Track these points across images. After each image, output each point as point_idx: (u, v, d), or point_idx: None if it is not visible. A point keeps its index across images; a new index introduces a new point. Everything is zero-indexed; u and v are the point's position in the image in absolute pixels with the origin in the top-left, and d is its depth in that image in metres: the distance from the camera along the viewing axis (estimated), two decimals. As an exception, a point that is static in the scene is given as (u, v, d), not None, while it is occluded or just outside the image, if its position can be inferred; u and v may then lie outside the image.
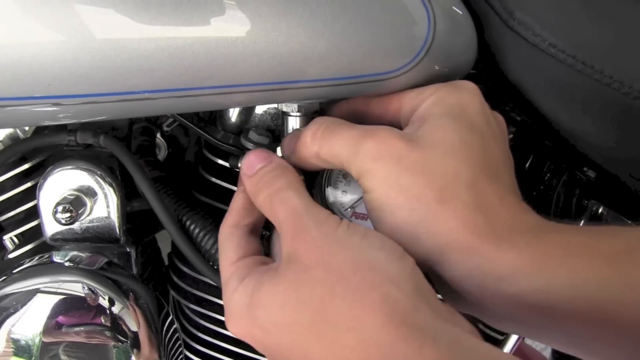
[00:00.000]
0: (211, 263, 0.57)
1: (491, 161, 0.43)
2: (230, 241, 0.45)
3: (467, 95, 0.45)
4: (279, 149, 0.51)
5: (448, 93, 0.45)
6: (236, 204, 0.47)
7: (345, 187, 0.50)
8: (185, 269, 0.65)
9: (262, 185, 0.43)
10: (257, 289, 0.39)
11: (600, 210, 0.67)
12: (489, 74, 0.56)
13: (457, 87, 0.46)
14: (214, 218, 0.59)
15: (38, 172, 0.59)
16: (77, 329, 0.52)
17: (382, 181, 0.41)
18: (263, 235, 0.63)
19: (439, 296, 0.40)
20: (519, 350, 0.69)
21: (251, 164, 0.46)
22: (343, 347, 0.35)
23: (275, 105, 0.59)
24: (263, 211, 0.44)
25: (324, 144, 0.44)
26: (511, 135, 0.73)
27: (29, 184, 0.59)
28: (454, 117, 0.43)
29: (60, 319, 0.52)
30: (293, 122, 0.51)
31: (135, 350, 0.53)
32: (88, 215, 0.56)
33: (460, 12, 0.51)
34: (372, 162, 0.41)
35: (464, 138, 0.42)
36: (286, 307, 0.37)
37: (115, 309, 0.53)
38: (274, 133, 0.61)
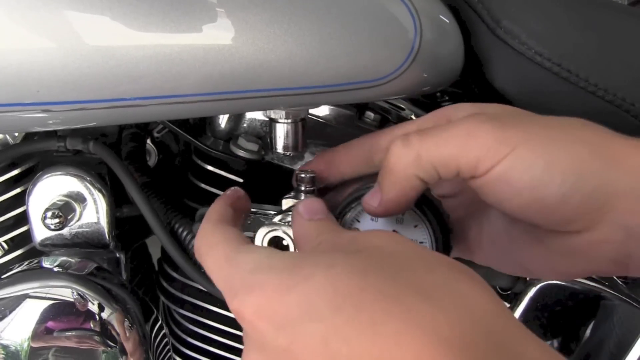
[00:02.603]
0: (202, 269, 0.57)
1: None
2: (223, 229, 0.38)
3: None
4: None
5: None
6: (216, 207, 0.42)
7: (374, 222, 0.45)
8: (174, 275, 0.65)
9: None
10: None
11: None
12: (475, 82, 0.57)
13: None
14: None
15: (27, 177, 0.59)
16: (66, 334, 0.52)
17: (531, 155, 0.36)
18: None
19: None
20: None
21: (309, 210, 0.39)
22: None
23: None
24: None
25: (426, 139, 0.38)
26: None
27: (18, 190, 0.59)
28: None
29: (50, 324, 0.52)
30: (281, 129, 0.52)
31: (123, 355, 0.53)
32: (77, 220, 0.56)
33: (447, 21, 0.51)
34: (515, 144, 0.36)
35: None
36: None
37: (104, 314, 0.53)
38: (263, 140, 0.61)
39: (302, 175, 0.45)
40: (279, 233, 0.43)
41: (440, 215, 0.42)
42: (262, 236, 0.44)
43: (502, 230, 0.44)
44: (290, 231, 0.42)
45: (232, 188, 0.45)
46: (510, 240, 0.43)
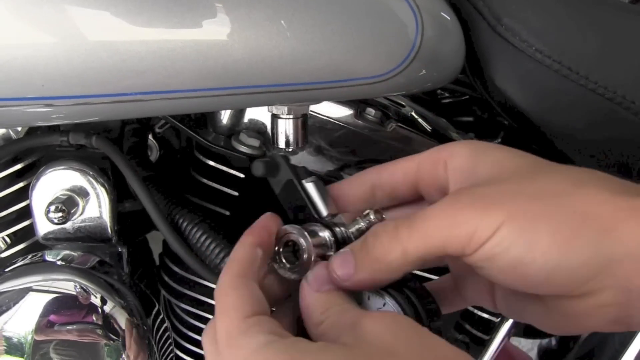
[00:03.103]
0: (205, 261, 0.58)
1: None
2: (237, 291, 0.37)
3: None
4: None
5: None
6: (240, 254, 0.40)
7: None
8: (176, 269, 0.66)
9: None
10: None
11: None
12: (477, 79, 0.57)
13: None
14: (206, 219, 0.59)
15: (30, 172, 0.60)
16: (68, 327, 0.52)
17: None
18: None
19: None
20: (504, 350, 0.70)
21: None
22: None
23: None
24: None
25: (413, 234, 0.36)
26: (499, 140, 0.74)
27: (21, 184, 0.60)
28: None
29: (52, 317, 0.52)
30: (283, 125, 0.52)
31: (126, 348, 0.54)
32: (80, 215, 0.57)
33: (449, 18, 0.52)
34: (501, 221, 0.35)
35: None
36: None
37: (107, 308, 0.54)
38: (264, 135, 0.62)
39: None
40: (294, 237, 0.41)
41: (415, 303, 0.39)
42: (279, 237, 0.42)
43: (500, 287, 0.43)
44: (305, 240, 0.40)
45: (264, 217, 0.43)
46: (511, 296, 0.43)
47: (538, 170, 0.38)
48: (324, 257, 0.40)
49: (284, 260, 0.42)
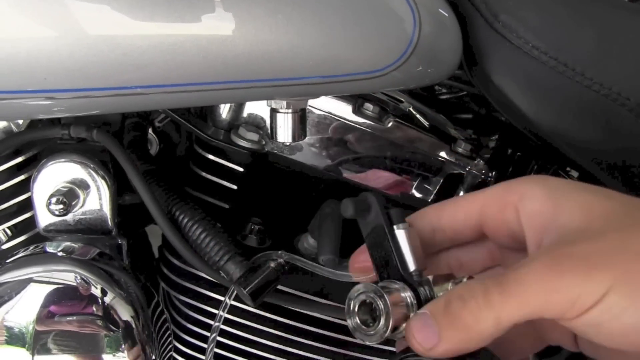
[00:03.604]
0: (202, 255, 0.58)
1: None
2: None
3: None
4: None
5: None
6: None
7: None
8: (175, 262, 0.66)
9: None
10: None
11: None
12: (474, 75, 0.58)
13: None
14: (204, 212, 0.60)
15: (31, 165, 0.60)
16: (69, 317, 0.53)
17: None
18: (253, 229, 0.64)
19: None
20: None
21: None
22: None
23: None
24: None
25: (506, 300, 0.33)
26: (496, 137, 0.75)
27: (22, 177, 0.60)
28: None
29: (53, 307, 0.53)
30: (281, 119, 0.53)
31: (126, 339, 0.54)
32: (81, 207, 0.57)
33: (446, 14, 0.52)
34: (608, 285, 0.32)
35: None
36: None
37: (107, 299, 0.54)
38: (263, 129, 0.62)
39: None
40: (369, 298, 0.37)
41: None
42: (354, 296, 0.38)
43: None
44: (383, 301, 0.36)
45: None
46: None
47: (635, 217, 0.35)
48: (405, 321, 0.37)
49: (358, 322, 0.38)
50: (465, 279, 0.39)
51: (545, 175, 0.42)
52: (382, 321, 0.36)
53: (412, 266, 0.38)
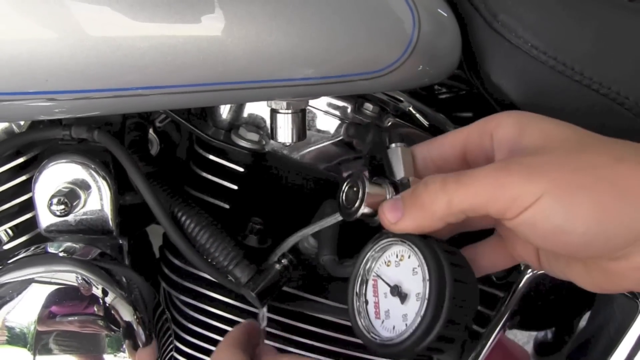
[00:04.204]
0: (204, 255, 0.58)
1: None
2: (229, 356, 0.50)
3: None
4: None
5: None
6: (238, 330, 0.53)
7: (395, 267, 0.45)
8: (176, 262, 0.66)
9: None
10: None
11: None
12: (473, 75, 0.58)
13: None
14: (206, 213, 0.60)
15: (32, 166, 0.60)
16: (70, 318, 0.53)
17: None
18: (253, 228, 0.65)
19: None
20: (500, 343, 0.71)
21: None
22: None
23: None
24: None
25: (459, 188, 0.40)
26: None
27: (23, 178, 0.60)
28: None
29: (54, 308, 0.53)
30: (282, 119, 0.53)
31: (127, 339, 0.55)
32: (82, 207, 0.57)
33: (445, 14, 0.52)
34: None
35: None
36: None
37: (108, 299, 0.55)
38: (264, 130, 0.62)
39: None
40: (354, 184, 0.46)
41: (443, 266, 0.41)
42: (345, 181, 0.47)
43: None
44: (362, 184, 0.45)
45: (248, 321, 0.58)
46: (554, 257, 0.45)
47: (584, 143, 0.40)
48: None
49: (344, 201, 0.47)
50: None
51: (520, 111, 0.48)
52: (359, 199, 0.44)
53: (400, 174, 0.46)
